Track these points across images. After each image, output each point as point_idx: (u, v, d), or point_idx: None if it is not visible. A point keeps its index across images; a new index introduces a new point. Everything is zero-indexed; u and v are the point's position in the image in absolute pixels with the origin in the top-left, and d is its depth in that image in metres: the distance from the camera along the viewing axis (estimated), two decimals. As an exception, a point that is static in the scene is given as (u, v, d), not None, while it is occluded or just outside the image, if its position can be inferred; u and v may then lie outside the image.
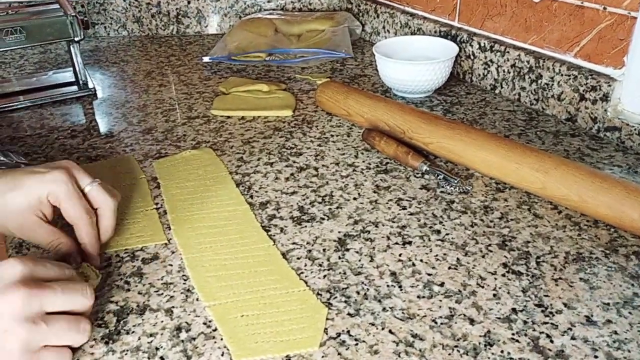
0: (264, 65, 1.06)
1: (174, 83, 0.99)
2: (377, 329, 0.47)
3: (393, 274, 0.53)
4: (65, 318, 0.42)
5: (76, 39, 0.90)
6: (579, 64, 0.78)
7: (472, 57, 0.92)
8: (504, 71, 0.87)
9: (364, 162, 0.72)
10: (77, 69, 0.95)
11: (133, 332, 0.47)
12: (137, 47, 1.21)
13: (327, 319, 0.48)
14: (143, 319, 0.48)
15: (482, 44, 0.90)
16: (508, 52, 0.86)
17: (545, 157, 0.61)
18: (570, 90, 0.78)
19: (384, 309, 0.49)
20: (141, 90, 0.97)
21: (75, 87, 0.96)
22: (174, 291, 0.51)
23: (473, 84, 0.94)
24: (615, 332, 0.46)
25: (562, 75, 0.79)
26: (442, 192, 0.65)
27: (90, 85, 0.96)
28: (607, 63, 0.74)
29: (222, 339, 0.46)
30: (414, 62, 0.85)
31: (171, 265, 0.55)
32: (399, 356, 0.44)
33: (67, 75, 1.00)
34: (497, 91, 0.90)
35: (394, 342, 0.45)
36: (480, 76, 0.92)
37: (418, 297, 0.50)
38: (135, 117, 0.86)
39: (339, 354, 0.44)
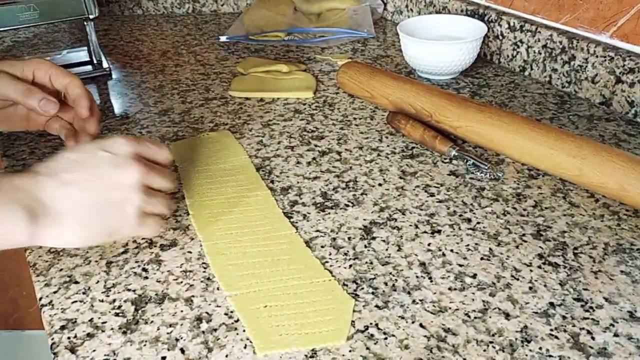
0: (282, 45, 1.03)
1: (191, 63, 0.97)
2: (407, 322, 0.44)
3: (422, 264, 0.50)
4: (161, 194, 0.49)
5: (91, 16, 0.87)
6: (616, 44, 0.74)
7: (500, 37, 0.88)
8: (534, 52, 0.84)
9: (388, 146, 0.69)
10: (92, 48, 0.92)
11: (152, 322, 0.45)
12: (152, 26, 1.18)
13: (354, 311, 0.45)
14: (162, 309, 0.46)
15: (512, 24, 0.86)
16: (539, 32, 0.82)
17: (582, 143, 0.58)
18: (606, 73, 0.74)
19: (413, 301, 0.46)
20: (157, 70, 0.94)
21: (89, 67, 0.94)
22: (194, 280, 0.49)
23: (501, 65, 0.90)
24: (663, 330, 0.43)
25: (597, 56, 0.75)
26: (471, 178, 0.62)
27: (105, 65, 0.93)
28: (646, 43, 0.70)
29: (244, 331, 0.44)
30: (440, 42, 0.82)
31: (190, 252, 0.53)
32: (431, 352, 0.42)
33: (81, 55, 0.98)
34: (526, 73, 0.86)
35: (425, 336, 0.43)
36: (509, 57, 0.88)
37: (449, 289, 0.47)
38: (151, 98, 0.84)
39: (368, 348, 0.42)
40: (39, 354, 1.44)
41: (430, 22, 0.91)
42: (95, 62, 0.93)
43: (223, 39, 1.06)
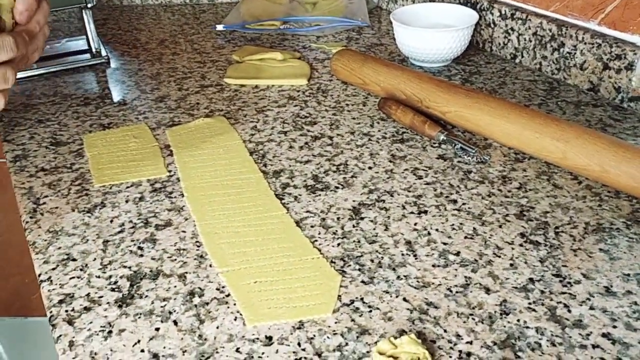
0: (278, 34, 1.05)
1: (187, 51, 0.98)
2: (391, 296, 0.46)
3: (408, 242, 0.52)
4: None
5: (89, 5, 0.88)
6: (603, 31, 0.75)
7: (492, 25, 0.90)
8: (525, 40, 0.85)
9: (379, 131, 0.71)
10: (90, 36, 0.94)
11: (146, 296, 0.47)
12: (150, 15, 1.19)
13: (340, 286, 0.47)
14: (156, 284, 0.48)
15: (503, 12, 0.87)
16: (530, 19, 0.83)
17: (566, 127, 0.60)
18: (594, 59, 0.76)
19: (398, 277, 0.48)
20: (154, 58, 0.96)
21: (88, 55, 0.95)
22: (187, 257, 0.51)
23: (493, 53, 0.91)
24: (635, 303, 0.45)
25: (585, 43, 0.76)
26: (459, 162, 0.64)
27: (104, 54, 0.95)
28: (633, 30, 0.72)
29: (235, 304, 0.46)
30: (432, 30, 0.83)
31: (184, 231, 0.54)
32: (413, 323, 0.44)
33: (80, 44, 0.99)
34: (517, 60, 0.87)
35: (408, 309, 0.45)
36: (500, 45, 0.90)
37: (433, 266, 0.49)
38: (148, 85, 0.86)
39: (353, 320, 0.44)
40: (42, 341, 1.46)
41: (424, 10, 0.92)
42: (93, 50, 0.95)
43: (220, 27, 1.07)
